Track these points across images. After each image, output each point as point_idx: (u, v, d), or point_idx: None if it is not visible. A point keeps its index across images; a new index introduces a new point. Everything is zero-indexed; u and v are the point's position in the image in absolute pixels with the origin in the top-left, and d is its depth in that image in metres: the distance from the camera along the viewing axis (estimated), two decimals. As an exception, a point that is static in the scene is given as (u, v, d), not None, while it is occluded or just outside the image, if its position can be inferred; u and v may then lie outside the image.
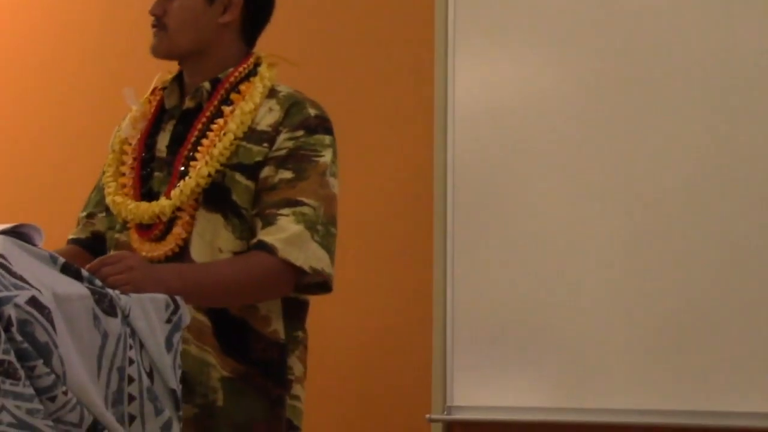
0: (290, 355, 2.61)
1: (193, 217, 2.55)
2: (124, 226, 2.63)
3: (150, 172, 2.63)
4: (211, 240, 2.54)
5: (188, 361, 2.51)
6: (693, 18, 3.50)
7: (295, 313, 2.63)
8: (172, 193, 2.54)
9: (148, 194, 2.61)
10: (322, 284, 2.55)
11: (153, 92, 2.72)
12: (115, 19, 4.36)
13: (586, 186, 3.58)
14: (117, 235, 2.64)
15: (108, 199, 2.65)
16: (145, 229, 2.59)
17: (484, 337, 3.66)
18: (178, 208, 2.55)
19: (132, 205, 2.59)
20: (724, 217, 3.43)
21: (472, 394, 3.67)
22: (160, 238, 2.57)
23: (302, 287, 2.55)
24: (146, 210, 2.56)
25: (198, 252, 2.54)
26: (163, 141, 2.64)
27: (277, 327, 2.58)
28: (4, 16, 4.53)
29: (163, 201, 2.55)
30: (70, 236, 2.79)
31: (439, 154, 3.76)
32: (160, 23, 2.61)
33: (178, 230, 2.55)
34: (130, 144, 2.68)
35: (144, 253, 2.56)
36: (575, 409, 3.56)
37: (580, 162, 3.59)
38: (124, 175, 2.65)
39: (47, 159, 4.42)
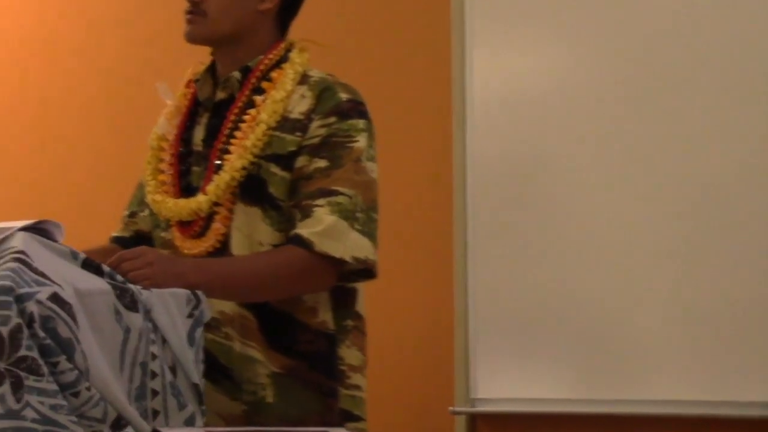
0: (340, 345, 2.56)
1: (231, 211, 2.51)
2: (168, 224, 2.61)
3: (188, 167, 2.60)
4: (250, 234, 2.50)
5: (233, 357, 2.51)
6: (719, 5, 3.48)
7: (343, 302, 2.58)
8: (208, 188, 2.51)
9: (187, 189, 2.58)
10: (364, 271, 2.51)
11: (187, 85, 2.68)
12: (146, 12, 4.37)
13: (606, 177, 3.57)
14: (162, 234, 2.62)
15: (148, 198, 2.63)
16: (185, 226, 2.56)
17: (507, 328, 3.65)
18: (216, 203, 2.51)
19: (170, 202, 2.56)
20: (740, 202, 3.42)
21: (496, 386, 3.67)
22: (201, 234, 2.54)
23: (345, 276, 2.51)
24: (184, 207, 2.53)
25: (238, 246, 2.51)
26: (198, 134, 2.61)
27: (326, 317, 2.55)
28: (31, 16, 4.54)
29: (200, 197, 2.52)
30: (113, 234, 2.77)
31: (458, 147, 3.75)
32: (198, 9, 2.56)
33: (217, 225, 2.52)
34: (167, 140, 2.65)
35: (186, 251, 2.54)
36: (599, 400, 3.55)
37: (600, 153, 3.58)
38: (162, 172, 2.62)
39: (76, 158, 4.43)
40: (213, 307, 2.35)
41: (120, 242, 2.73)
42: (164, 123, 2.66)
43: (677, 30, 3.53)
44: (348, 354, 2.58)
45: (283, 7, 2.63)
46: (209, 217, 2.53)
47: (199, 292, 2.22)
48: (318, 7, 3.99)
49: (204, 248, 2.52)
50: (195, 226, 2.54)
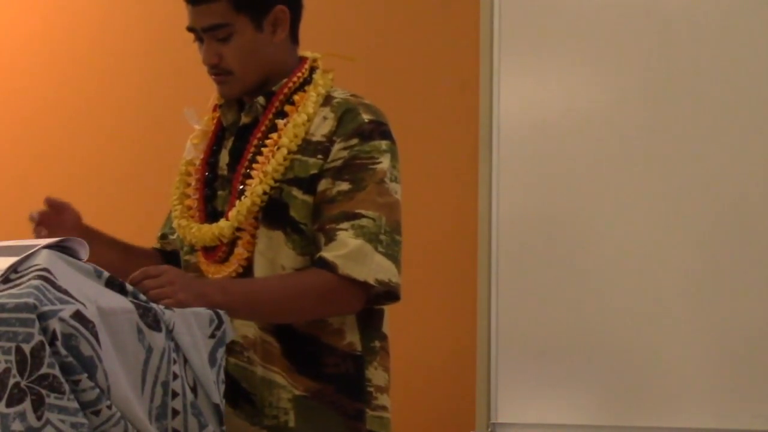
0: (368, 366, 2.56)
1: (254, 236, 2.51)
2: (193, 249, 2.62)
3: (214, 191, 2.61)
4: (273, 258, 2.50)
5: (255, 382, 2.50)
6: (745, 36, 3.48)
7: (370, 323, 2.57)
8: (230, 214, 2.51)
9: (213, 214, 2.59)
10: (388, 293, 2.50)
11: (213, 109, 2.69)
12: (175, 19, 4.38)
13: (633, 203, 3.56)
14: (187, 257, 2.63)
15: (174, 223, 2.65)
16: (210, 251, 2.57)
17: (529, 353, 3.64)
18: (239, 228, 2.52)
19: (195, 228, 2.57)
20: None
21: (517, 411, 3.65)
22: (225, 259, 2.54)
23: (370, 299, 2.50)
24: (207, 232, 2.54)
25: (261, 271, 2.51)
26: (224, 159, 2.61)
27: (353, 339, 2.54)
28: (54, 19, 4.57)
29: (222, 223, 2.52)
30: (155, 247, 2.81)
31: (485, 171, 3.75)
32: (221, 70, 2.55)
33: (240, 250, 2.52)
34: (194, 165, 2.66)
35: (210, 275, 2.55)
36: (620, 426, 3.54)
37: (626, 177, 3.58)
38: (189, 197, 2.64)
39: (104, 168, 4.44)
40: (236, 331, 2.35)
41: (161, 255, 2.78)
42: (191, 148, 2.67)
43: (706, 58, 3.52)
44: (375, 375, 2.57)
45: (293, 27, 2.61)
46: (233, 242, 2.53)
47: (222, 313, 2.22)
48: (346, 30, 4.01)
49: (228, 273, 2.52)
50: (219, 251, 2.55)
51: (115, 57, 4.44)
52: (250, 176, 2.52)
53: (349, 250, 2.44)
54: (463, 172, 3.83)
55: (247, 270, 2.52)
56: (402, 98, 3.93)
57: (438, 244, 3.86)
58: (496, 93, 3.76)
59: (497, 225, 3.71)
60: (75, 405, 1.91)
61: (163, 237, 2.79)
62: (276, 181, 2.51)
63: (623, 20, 3.62)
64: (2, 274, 2.01)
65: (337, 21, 4.02)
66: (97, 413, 1.94)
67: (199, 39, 2.58)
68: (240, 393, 2.48)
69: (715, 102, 3.50)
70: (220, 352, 2.19)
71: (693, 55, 3.54)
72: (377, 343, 2.59)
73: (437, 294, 3.84)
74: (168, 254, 2.77)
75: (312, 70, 2.61)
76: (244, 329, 2.45)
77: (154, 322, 2.08)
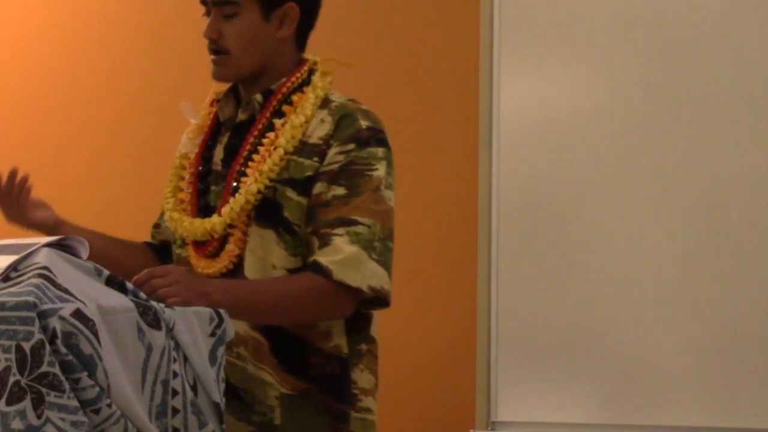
0: (353, 369, 2.57)
1: (245, 233, 2.53)
2: (184, 242, 2.63)
3: (207, 186, 2.62)
4: (264, 256, 2.52)
5: (246, 378, 2.52)
6: (745, 36, 3.48)
7: (358, 326, 2.58)
8: (223, 210, 2.52)
9: (205, 208, 2.60)
10: (378, 300, 2.51)
11: (210, 104, 2.70)
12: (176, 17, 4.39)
13: (633, 202, 3.56)
14: (178, 251, 2.65)
15: (166, 216, 2.66)
16: (200, 245, 2.58)
17: (529, 351, 3.64)
18: (231, 225, 2.53)
19: (186, 221, 2.58)
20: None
21: (517, 409, 3.65)
22: (215, 254, 2.56)
23: (360, 304, 2.51)
24: (199, 227, 2.55)
25: (251, 268, 2.52)
26: (219, 154, 2.63)
27: (339, 341, 2.55)
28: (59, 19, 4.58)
29: (214, 218, 2.53)
30: (145, 241, 2.82)
31: (484, 171, 3.75)
32: (218, 47, 2.57)
33: (231, 247, 2.53)
34: (188, 158, 2.67)
35: (200, 270, 2.56)
36: (621, 425, 3.54)
37: (627, 179, 3.57)
38: (182, 190, 2.65)
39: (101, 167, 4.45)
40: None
41: (150, 248, 2.79)
42: (187, 142, 2.69)
43: (706, 58, 3.52)
44: (361, 377, 2.59)
45: (300, 29, 2.63)
46: (224, 238, 2.54)
47: (222, 312, 2.23)
48: (346, 30, 4.01)
49: (218, 269, 2.54)
50: (209, 246, 2.56)
51: (117, 55, 4.45)
52: (245, 174, 2.53)
53: (344, 256, 2.45)
54: (462, 172, 3.83)
55: (237, 267, 2.53)
56: (402, 98, 3.93)
57: (438, 243, 3.86)
58: (496, 93, 3.75)
59: (497, 224, 3.70)
60: (75, 403, 1.92)
61: (157, 226, 2.79)
62: (271, 180, 2.52)
63: (623, 20, 3.62)
64: (2, 273, 2.02)
65: (338, 20, 4.02)
66: (97, 411, 1.95)
67: (208, 13, 2.60)
68: (228, 388, 2.49)
69: (715, 102, 3.50)
70: (221, 351, 2.20)
71: (693, 55, 3.54)
72: (364, 346, 2.60)
73: (437, 292, 3.85)
74: (158, 248, 2.78)
75: (311, 72, 2.62)
76: (235, 326, 2.47)
77: (154, 321, 2.09)
